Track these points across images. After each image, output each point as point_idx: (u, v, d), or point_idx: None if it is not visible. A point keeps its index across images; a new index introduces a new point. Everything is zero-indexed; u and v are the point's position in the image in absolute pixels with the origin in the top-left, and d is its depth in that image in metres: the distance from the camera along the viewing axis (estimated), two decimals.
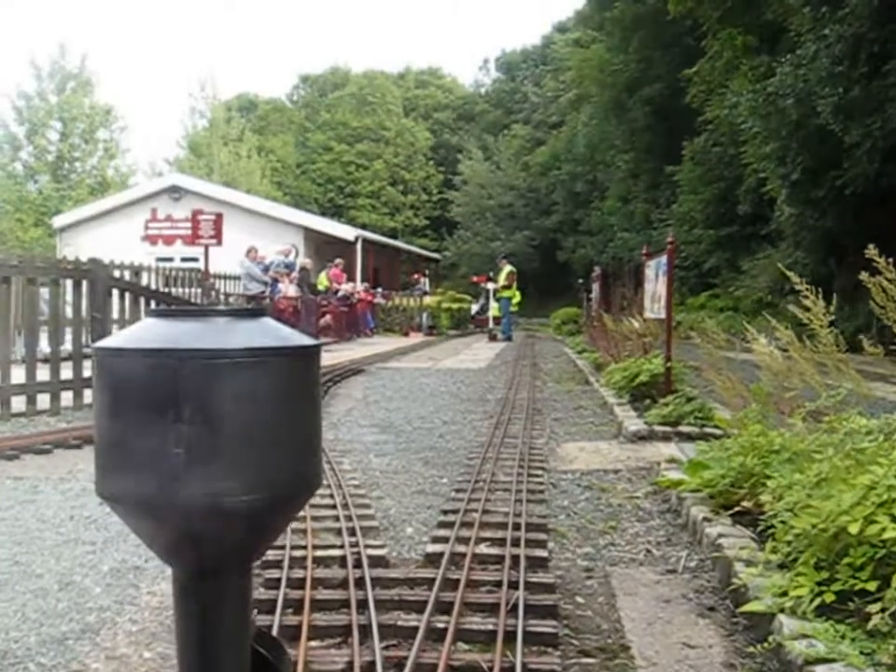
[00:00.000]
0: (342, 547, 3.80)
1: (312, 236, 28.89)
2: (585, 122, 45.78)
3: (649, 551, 4.03)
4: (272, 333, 1.41)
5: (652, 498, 5.00)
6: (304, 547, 3.79)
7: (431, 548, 3.86)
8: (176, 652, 1.44)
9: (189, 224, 16.78)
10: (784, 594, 2.91)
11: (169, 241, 26.18)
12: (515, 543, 3.85)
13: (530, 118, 66.22)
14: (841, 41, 14.71)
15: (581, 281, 46.87)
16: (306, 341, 1.45)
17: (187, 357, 1.30)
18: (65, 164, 46.31)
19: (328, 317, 22.72)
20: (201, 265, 23.00)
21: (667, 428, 7.03)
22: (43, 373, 8.24)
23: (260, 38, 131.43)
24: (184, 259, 24.91)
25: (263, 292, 20.00)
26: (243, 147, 49.60)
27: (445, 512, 4.49)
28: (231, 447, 1.31)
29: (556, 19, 74.68)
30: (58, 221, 31.24)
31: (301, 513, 4.26)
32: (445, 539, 3.92)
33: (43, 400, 8.21)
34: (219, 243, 15.63)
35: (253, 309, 1.49)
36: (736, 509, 3.79)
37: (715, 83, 24.71)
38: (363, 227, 43.62)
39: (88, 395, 8.48)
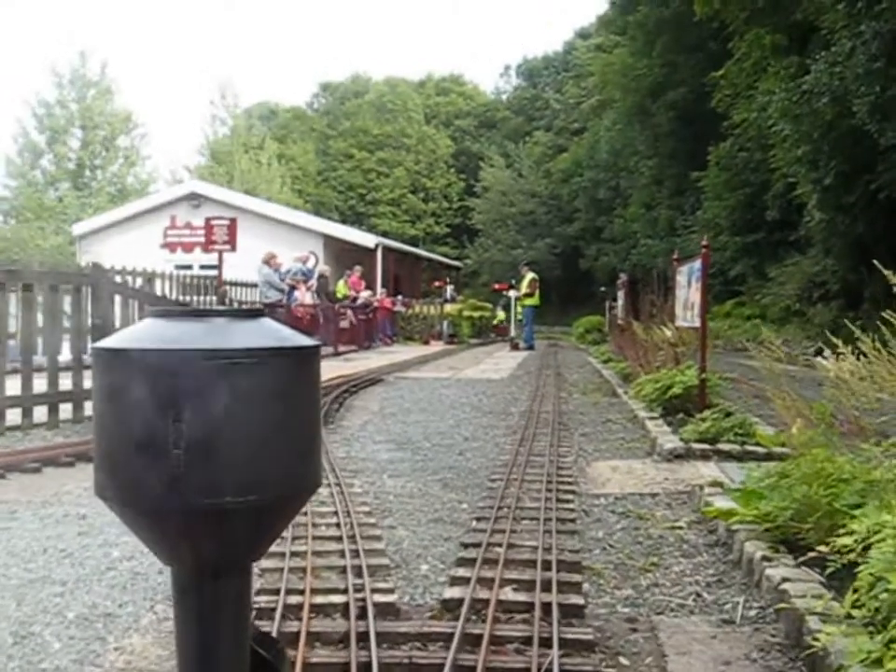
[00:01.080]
0: (345, 592, 3.29)
1: (332, 243, 28.44)
2: (608, 128, 45.23)
3: (699, 594, 3.50)
4: (271, 333, 1.40)
5: (697, 528, 4.47)
6: (302, 592, 3.28)
7: (449, 592, 3.34)
8: (176, 653, 1.41)
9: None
10: (878, 663, 2.38)
11: (188, 248, 25.77)
12: (546, 587, 3.34)
13: (552, 124, 65.77)
14: (878, 38, 14.11)
15: (603, 289, 46.36)
16: (306, 341, 1.43)
17: (186, 358, 1.30)
18: (86, 172, 46.16)
19: (350, 313, 22.25)
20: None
21: (706, 446, 6.49)
22: (41, 384, 7.80)
23: (281, 46, 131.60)
24: (202, 267, 24.50)
25: (281, 300, 19.52)
26: (263, 154, 49.38)
27: (465, 546, 3.98)
28: (231, 447, 1.30)
29: (578, 25, 74.17)
30: (77, 229, 30.97)
31: (303, 548, 3.78)
32: (465, 581, 3.41)
33: (41, 413, 7.77)
34: (233, 248, 15.18)
35: (252, 309, 1.46)
36: (811, 554, 3.23)
37: (742, 86, 24.08)
38: (384, 234, 43.20)
39: (89, 407, 8.03)
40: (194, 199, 28.35)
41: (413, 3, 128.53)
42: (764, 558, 3.49)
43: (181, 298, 17.38)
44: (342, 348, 20.28)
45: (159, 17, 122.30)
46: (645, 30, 35.85)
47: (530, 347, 23.34)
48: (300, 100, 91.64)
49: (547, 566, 3.59)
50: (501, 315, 24.42)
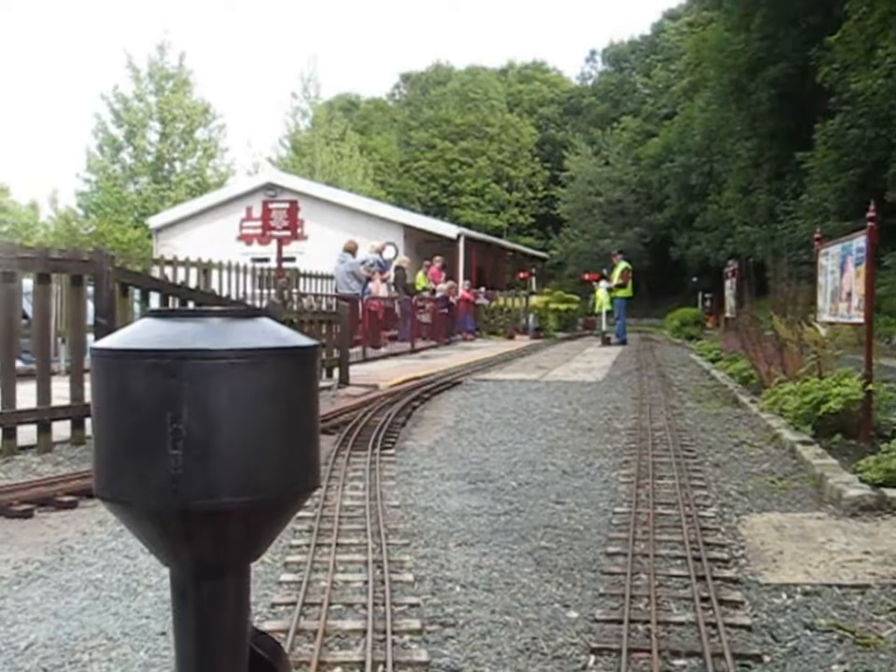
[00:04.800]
0: None
1: (412, 234, 27.15)
2: (702, 108, 42.85)
3: None
4: (269, 334, 1.38)
5: None
6: None
7: None
8: (174, 653, 1.37)
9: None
10: None
11: (264, 240, 24.75)
12: None
13: (640, 109, 63.50)
14: None
15: (695, 279, 44.31)
16: (304, 341, 1.42)
17: (184, 358, 1.28)
18: (165, 165, 45.70)
19: (428, 307, 20.66)
20: (298, 265, 21.37)
21: None
22: (30, 393, 6.25)
23: (361, 38, 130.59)
24: (281, 260, 23.37)
25: (359, 294, 17.82)
26: (345, 146, 48.46)
27: None
28: (229, 447, 1.29)
29: (666, 6, 71.05)
30: (154, 222, 30.45)
31: None
32: None
33: (30, 432, 6.22)
34: (294, 235, 13.59)
35: (251, 309, 1.43)
36: None
37: (860, 51, 21.73)
38: (467, 226, 41.65)
39: (90, 425, 6.49)
40: (271, 189, 27.26)
41: None
42: None
43: (239, 291, 15.96)
44: (419, 344, 18.72)
45: (238, 7, 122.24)
46: (742, 2, 33.50)
47: (623, 342, 21.78)
48: (380, 91, 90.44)
49: None
50: (606, 300, 22.55)
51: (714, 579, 3.38)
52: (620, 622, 2.90)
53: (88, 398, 6.30)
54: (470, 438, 7.21)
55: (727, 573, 3.51)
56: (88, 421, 6.46)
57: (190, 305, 7.62)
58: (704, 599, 3.13)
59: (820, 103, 28.29)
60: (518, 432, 7.47)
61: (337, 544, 3.86)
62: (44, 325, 6.38)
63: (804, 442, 6.30)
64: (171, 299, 7.52)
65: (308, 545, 3.85)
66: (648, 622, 2.91)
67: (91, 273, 6.43)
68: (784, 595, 3.32)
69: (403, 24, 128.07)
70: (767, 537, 4.13)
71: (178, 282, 10.24)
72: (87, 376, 6.38)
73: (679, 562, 3.61)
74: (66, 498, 4.76)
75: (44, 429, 6.20)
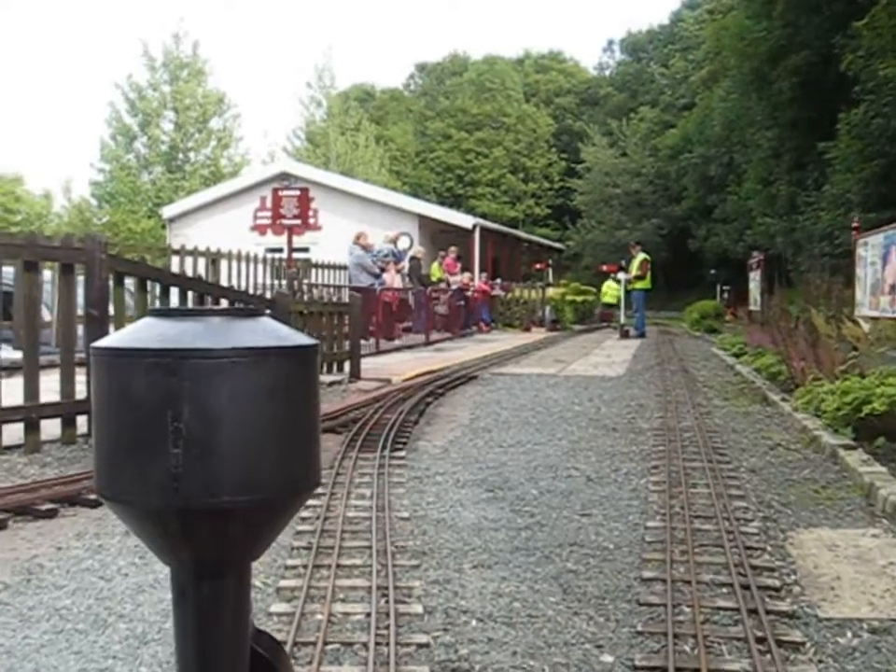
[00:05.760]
0: None
1: (427, 224, 26.75)
2: (723, 97, 42.24)
3: None
4: (270, 333, 1.39)
5: None
6: None
7: None
8: (175, 653, 1.36)
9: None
10: None
11: (277, 230, 24.50)
12: None
13: (658, 100, 62.84)
14: None
15: (713, 272, 43.78)
16: (305, 340, 1.42)
17: (185, 357, 1.29)
18: (179, 155, 45.49)
19: (443, 298, 20.23)
20: (312, 255, 21.02)
21: None
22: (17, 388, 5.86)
23: (376, 28, 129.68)
24: (295, 250, 23.09)
25: (372, 284, 17.39)
26: (360, 136, 48.16)
27: None
28: (230, 446, 1.29)
29: None
30: (167, 211, 30.11)
31: None
32: None
33: (17, 430, 5.84)
34: (305, 224, 13.17)
35: (252, 309, 1.43)
36: None
37: (889, 36, 21.10)
38: (483, 216, 41.21)
39: (83, 421, 6.09)
40: (285, 179, 26.87)
41: None
42: None
43: (250, 281, 15.54)
44: (434, 336, 18.30)
45: None
46: None
47: (642, 335, 21.31)
48: (396, 81, 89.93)
49: None
50: (620, 289, 22.13)
51: (768, 612, 2.95)
52: (664, 671, 2.47)
53: (79, 394, 5.95)
54: (487, 438, 6.79)
55: (782, 605, 3.07)
56: (80, 419, 6.08)
57: (190, 295, 7.24)
58: (759, 640, 2.70)
59: (844, 92, 27.68)
60: (537, 432, 7.04)
61: (337, 566, 3.44)
62: (32, 316, 5.97)
63: (845, 447, 5.85)
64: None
65: (305, 566, 3.44)
66: (697, 666, 2.48)
67: (83, 262, 6.03)
68: (849, 634, 2.88)
69: (419, 14, 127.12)
70: (820, 558, 3.69)
71: (182, 272, 9.82)
72: (79, 370, 6.00)
73: (725, 590, 3.18)
74: (46, 507, 4.35)
75: (31, 428, 5.79)
